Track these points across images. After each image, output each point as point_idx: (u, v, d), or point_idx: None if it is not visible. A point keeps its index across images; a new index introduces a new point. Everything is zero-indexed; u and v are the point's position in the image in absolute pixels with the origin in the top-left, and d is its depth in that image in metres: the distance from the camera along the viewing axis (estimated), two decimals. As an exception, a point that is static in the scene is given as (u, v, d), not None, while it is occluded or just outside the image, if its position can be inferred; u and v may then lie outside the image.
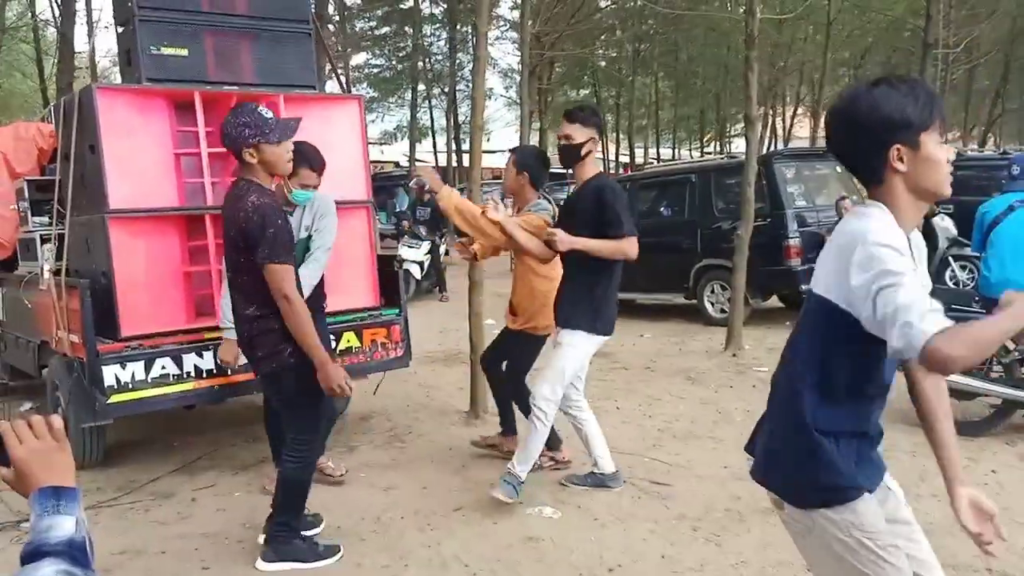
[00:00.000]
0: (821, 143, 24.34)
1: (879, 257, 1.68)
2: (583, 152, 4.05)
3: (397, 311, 5.38)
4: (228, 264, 3.45)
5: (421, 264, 12.32)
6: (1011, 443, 4.93)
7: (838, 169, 10.27)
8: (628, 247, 3.97)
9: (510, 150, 4.97)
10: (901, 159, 1.81)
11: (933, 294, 5.28)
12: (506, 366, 4.80)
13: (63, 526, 1.25)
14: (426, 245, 12.53)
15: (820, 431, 1.88)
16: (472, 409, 5.79)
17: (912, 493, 4.20)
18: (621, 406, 6.08)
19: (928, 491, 4.22)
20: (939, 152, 1.82)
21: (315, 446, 3.61)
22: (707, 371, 7.12)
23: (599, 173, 4.20)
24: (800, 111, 29.69)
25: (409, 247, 12.38)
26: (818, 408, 1.88)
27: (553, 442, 4.59)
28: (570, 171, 4.34)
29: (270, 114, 3.30)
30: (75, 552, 1.23)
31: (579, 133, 4.03)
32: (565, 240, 3.90)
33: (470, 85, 28.42)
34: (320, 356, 3.27)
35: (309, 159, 4.09)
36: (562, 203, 4.43)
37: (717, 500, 4.17)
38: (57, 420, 1.33)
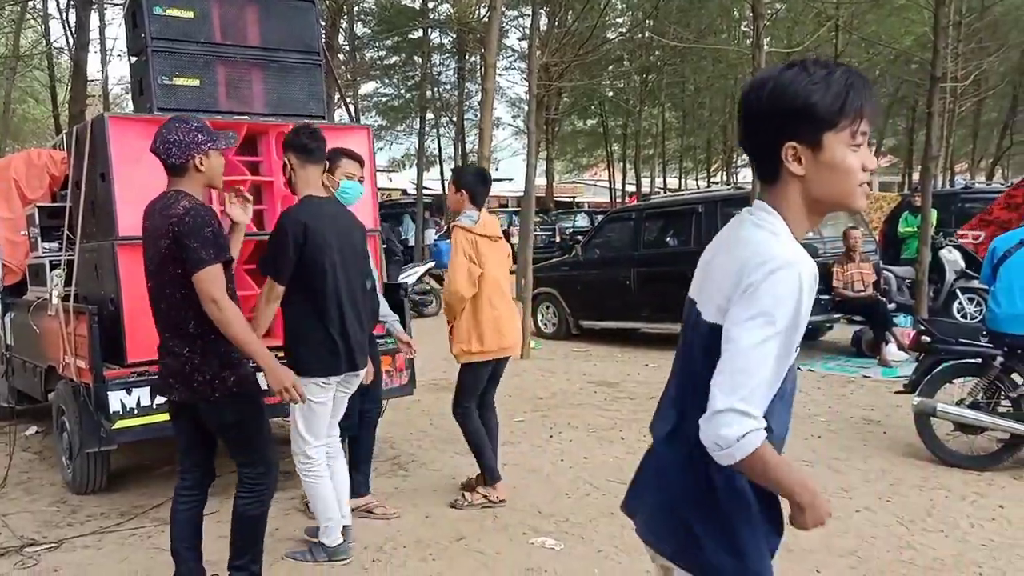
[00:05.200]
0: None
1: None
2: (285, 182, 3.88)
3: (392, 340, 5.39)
4: (156, 283, 3.13)
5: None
6: (1018, 477, 4.89)
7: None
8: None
9: (452, 170, 5.09)
10: (798, 159, 1.53)
11: (941, 328, 5.22)
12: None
13: None
14: (420, 269, 12.72)
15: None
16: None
17: (918, 527, 4.18)
18: (625, 436, 6.06)
19: (935, 525, 4.19)
20: (848, 158, 1.52)
21: (271, 478, 3.33)
22: (713, 402, 7.08)
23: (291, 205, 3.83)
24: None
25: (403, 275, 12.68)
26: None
27: (492, 475, 4.59)
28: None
29: None
30: None
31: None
32: None
33: (477, 114, 28.70)
34: (267, 360, 3.09)
35: (345, 150, 4.19)
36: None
37: (722, 533, 4.14)
38: None
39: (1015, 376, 5.04)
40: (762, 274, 1.46)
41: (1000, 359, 5.00)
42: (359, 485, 4.49)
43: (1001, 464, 5.02)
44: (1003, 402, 5.09)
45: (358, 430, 4.52)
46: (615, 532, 4.18)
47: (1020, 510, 4.38)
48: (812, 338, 10.13)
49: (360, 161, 4.30)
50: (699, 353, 1.60)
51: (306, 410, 3.70)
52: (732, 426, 1.42)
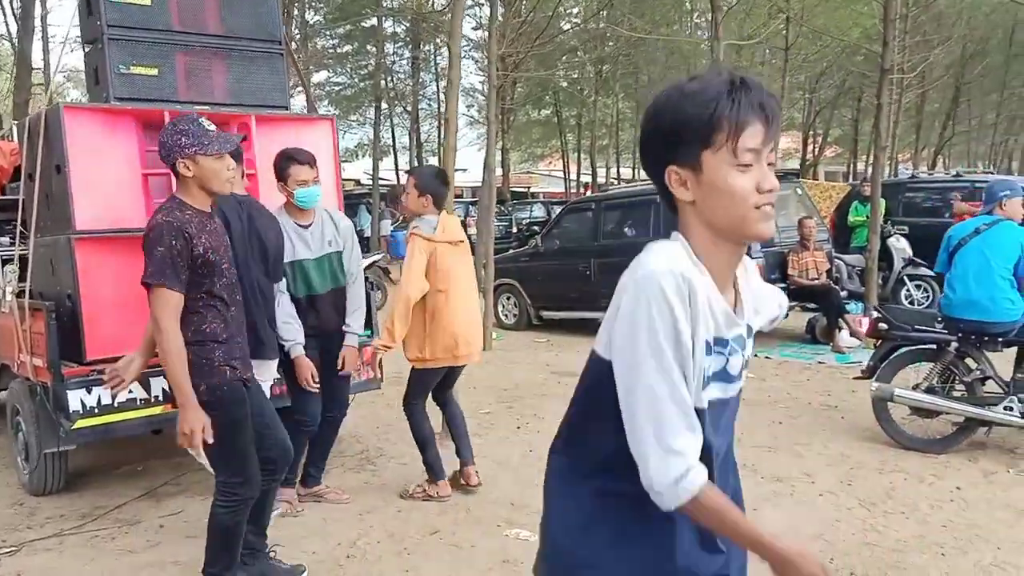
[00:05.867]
0: (778, 166, 24.80)
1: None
2: None
3: (369, 332, 5.35)
4: None
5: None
6: (973, 460, 5.03)
7: (798, 191, 10.49)
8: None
9: (407, 172, 4.88)
10: (683, 184, 1.39)
11: (897, 315, 5.32)
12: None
13: None
14: (364, 261, 12.60)
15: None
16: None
17: (880, 510, 4.28)
18: (592, 426, 6.09)
19: (896, 508, 4.29)
20: (732, 179, 1.34)
21: (248, 488, 3.24)
22: (675, 390, 7.16)
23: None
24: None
25: None
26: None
27: (434, 472, 4.55)
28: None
29: (211, 126, 3.12)
30: None
31: None
32: None
33: (432, 104, 28.52)
34: (183, 396, 2.95)
35: (292, 156, 4.15)
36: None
37: (692, 520, 4.19)
38: None
39: (968, 361, 5.19)
40: (630, 291, 1.36)
41: (954, 345, 5.14)
42: (309, 477, 4.60)
43: (956, 447, 5.16)
44: (957, 386, 5.23)
45: (319, 430, 4.55)
46: (587, 522, 4.20)
47: (976, 491, 4.51)
48: (768, 326, 10.31)
49: (310, 163, 4.17)
50: (585, 391, 1.53)
51: None
52: (663, 470, 1.32)
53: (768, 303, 1.68)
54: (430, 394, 4.71)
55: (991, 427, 5.16)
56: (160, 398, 4.45)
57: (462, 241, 4.49)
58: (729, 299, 1.47)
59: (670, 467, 1.32)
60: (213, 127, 3.11)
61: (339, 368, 4.41)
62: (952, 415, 5.20)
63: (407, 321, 4.28)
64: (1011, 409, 4.90)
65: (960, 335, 5.12)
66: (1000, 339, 5.06)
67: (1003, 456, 5.11)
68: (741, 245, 1.44)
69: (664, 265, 1.34)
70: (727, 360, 1.45)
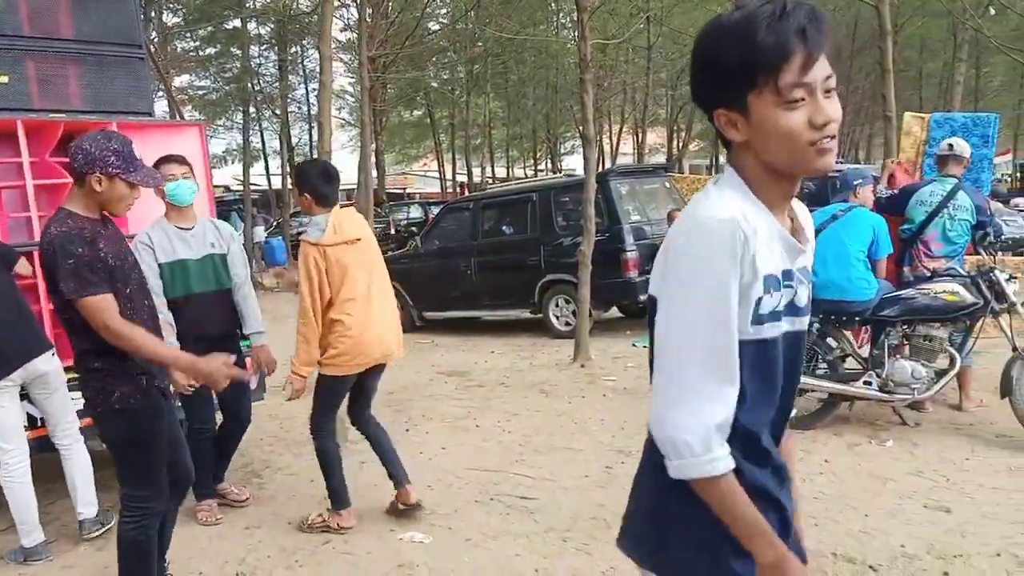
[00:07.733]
0: (647, 160, 25.67)
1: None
2: None
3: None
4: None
5: None
6: (839, 433, 5.37)
7: (667, 185, 10.89)
8: None
9: (293, 169, 4.66)
10: (733, 125, 1.33)
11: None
12: None
13: None
14: None
15: None
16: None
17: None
18: (480, 423, 6.14)
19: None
20: (782, 120, 1.27)
21: (156, 501, 3.12)
22: (559, 383, 7.32)
23: None
24: (624, 129, 31.18)
25: None
26: None
27: (338, 501, 4.20)
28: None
29: (139, 155, 3.01)
30: None
31: None
32: None
33: (301, 107, 27.90)
34: (173, 361, 3.01)
35: (161, 158, 4.18)
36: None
37: (583, 509, 4.30)
38: None
39: (830, 340, 5.53)
40: (682, 239, 1.34)
41: (816, 325, 5.47)
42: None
43: (823, 422, 5.49)
44: (820, 365, 5.57)
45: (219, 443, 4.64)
46: (481, 520, 4.25)
47: (843, 463, 4.82)
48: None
49: (178, 160, 4.20)
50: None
51: None
52: (680, 437, 1.30)
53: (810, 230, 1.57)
54: (349, 419, 4.41)
55: (853, 402, 5.52)
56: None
57: (359, 239, 4.09)
58: (787, 228, 1.43)
59: (696, 435, 1.29)
60: (140, 156, 3.01)
61: (256, 369, 4.60)
62: (817, 392, 5.52)
63: (316, 336, 3.98)
64: (870, 384, 5.26)
65: (821, 315, 5.45)
66: (857, 318, 5.42)
67: (865, 428, 5.47)
68: (793, 181, 1.39)
69: (719, 213, 1.31)
70: (795, 292, 1.43)
